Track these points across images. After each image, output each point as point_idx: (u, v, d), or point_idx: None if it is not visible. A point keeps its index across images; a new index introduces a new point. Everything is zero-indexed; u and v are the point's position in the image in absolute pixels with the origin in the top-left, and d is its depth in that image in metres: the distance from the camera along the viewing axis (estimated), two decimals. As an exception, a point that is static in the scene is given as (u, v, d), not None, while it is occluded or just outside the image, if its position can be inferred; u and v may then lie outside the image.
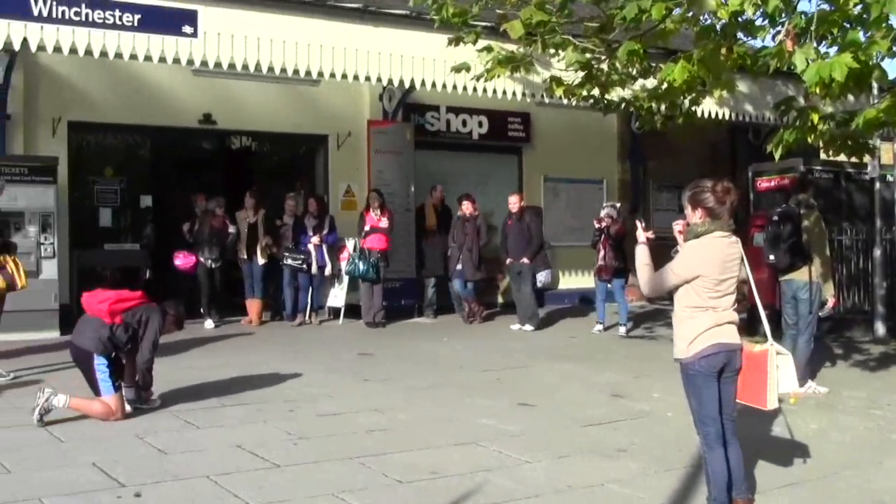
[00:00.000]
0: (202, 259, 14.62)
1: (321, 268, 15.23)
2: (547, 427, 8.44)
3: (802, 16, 9.12)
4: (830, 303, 10.47)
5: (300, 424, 8.24)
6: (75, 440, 7.53)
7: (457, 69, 12.06)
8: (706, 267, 5.58)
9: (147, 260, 15.25)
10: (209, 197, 15.26)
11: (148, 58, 11.24)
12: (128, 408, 8.31)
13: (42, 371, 10.38)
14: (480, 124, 18.26)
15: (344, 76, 12.62)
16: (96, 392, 8.13)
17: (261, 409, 8.82)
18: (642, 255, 5.94)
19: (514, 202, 15.31)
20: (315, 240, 15.20)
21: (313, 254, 15.16)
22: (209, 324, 14.48)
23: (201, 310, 14.61)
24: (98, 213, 15.96)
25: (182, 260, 14.47)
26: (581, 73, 11.49)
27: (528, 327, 14.92)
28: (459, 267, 15.50)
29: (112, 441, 7.49)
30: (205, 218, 14.89)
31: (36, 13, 10.40)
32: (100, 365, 8.07)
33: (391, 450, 7.45)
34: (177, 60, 11.52)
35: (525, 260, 14.93)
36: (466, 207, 15.61)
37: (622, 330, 14.70)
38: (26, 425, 7.81)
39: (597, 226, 14.79)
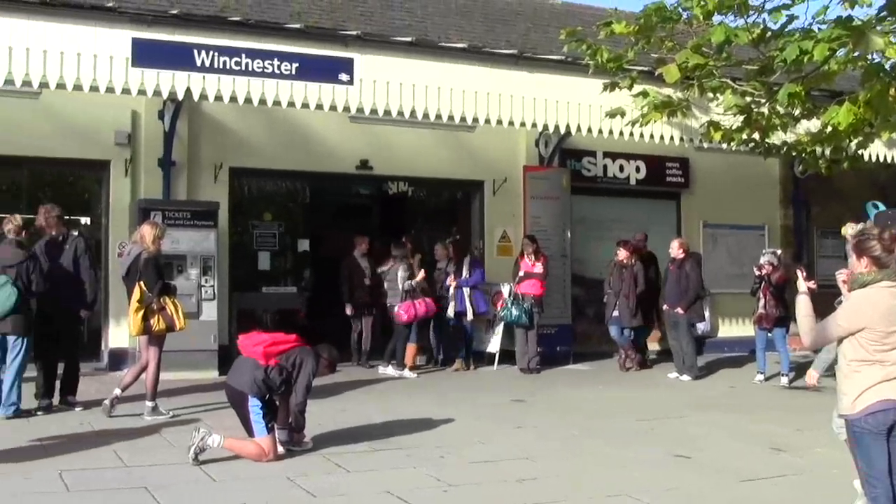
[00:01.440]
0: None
1: (458, 313, 15.12)
2: (703, 481, 8.17)
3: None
4: None
5: (450, 471, 8.19)
6: (227, 480, 7.66)
7: (612, 114, 11.96)
8: (873, 318, 5.30)
9: (304, 303, 15.48)
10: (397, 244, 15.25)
11: (305, 105, 11.53)
12: (280, 449, 8.40)
13: (200, 410, 10.63)
14: (638, 169, 18.04)
15: (499, 122, 12.69)
16: (250, 433, 8.25)
17: (411, 455, 8.80)
18: (804, 305, 5.71)
19: (675, 248, 15.00)
20: (450, 282, 15.15)
21: (452, 299, 15.09)
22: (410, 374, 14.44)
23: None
24: (257, 257, 16.30)
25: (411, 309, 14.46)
26: (740, 117, 11.24)
27: (686, 377, 14.57)
28: (616, 314, 15.28)
29: (263, 482, 7.59)
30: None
31: (199, 63, 10.80)
32: (254, 406, 8.17)
33: (541, 499, 7.33)
34: (333, 108, 11.74)
35: (679, 310, 14.62)
36: (622, 254, 15.39)
37: (784, 380, 14.21)
38: (182, 463, 7.98)
39: (757, 273, 14.38)
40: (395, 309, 14.37)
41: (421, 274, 14.83)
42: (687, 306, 14.55)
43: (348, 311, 14.97)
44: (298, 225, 17.10)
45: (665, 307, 14.98)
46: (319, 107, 11.65)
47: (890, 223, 8.65)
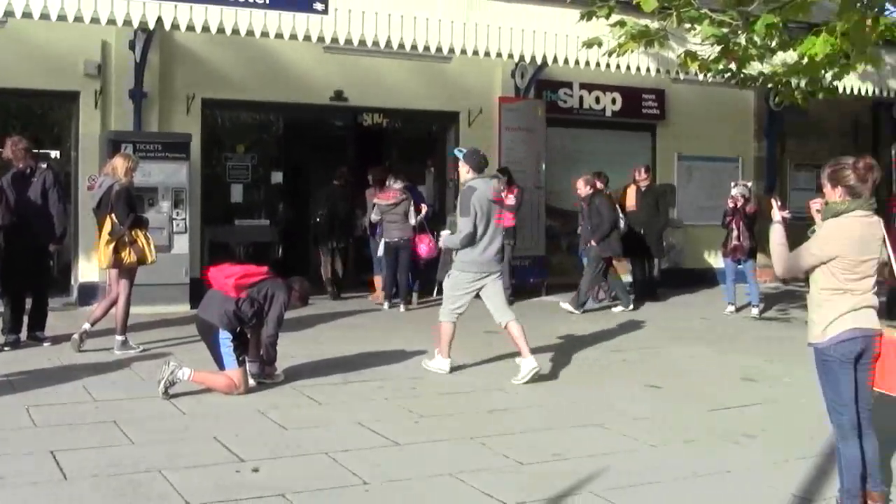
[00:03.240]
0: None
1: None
2: (674, 410, 8.24)
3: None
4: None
5: (423, 402, 8.22)
6: (197, 413, 7.65)
7: (588, 44, 11.83)
8: (845, 247, 5.29)
9: (277, 236, 15.39)
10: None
11: (279, 35, 11.31)
12: (251, 382, 8.40)
13: (170, 344, 10.57)
14: (614, 101, 17.95)
15: (475, 52, 12.51)
16: (220, 366, 8.22)
17: (383, 386, 8.83)
18: (777, 234, 5.68)
19: (581, 186, 14.68)
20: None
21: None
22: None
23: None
24: (230, 189, 16.16)
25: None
26: (717, 48, 11.16)
27: (569, 306, 14.40)
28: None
29: (233, 415, 7.58)
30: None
31: (169, -8, 10.55)
32: (224, 339, 8.14)
33: (513, 430, 7.37)
34: (308, 37, 11.50)
35: (592, 243, 14.44)
36: (598, 185, 15.32)
37: (755, 311, 14.30)
38: (152, 397, 7.96)
39: (731, 205, 14.36)
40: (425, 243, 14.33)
41: (424, 208, 14.84)
42: (599, 239, 14.34)
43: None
44: (272, 157, 16.92)
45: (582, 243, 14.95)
46: (293, 37, 11.42)
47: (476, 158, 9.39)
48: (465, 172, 9.57)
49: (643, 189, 15.75)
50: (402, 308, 14.24)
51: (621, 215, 14.96)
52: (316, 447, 6.71)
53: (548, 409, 8.21)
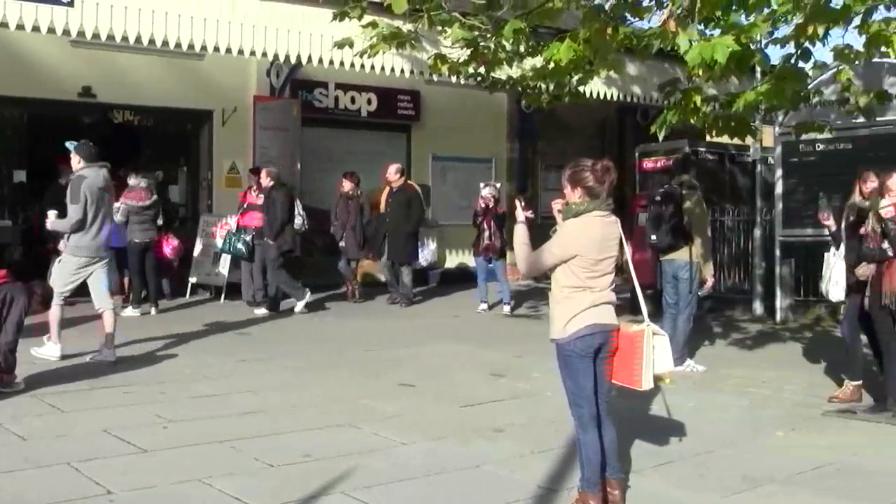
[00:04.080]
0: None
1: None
2: (426, 408, 8.38)
3: (686, -2, 9.17)
4: (709, 283, 10.62)
5: (171, 407, 8.02)
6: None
7: (340, 45, 11.85)
8: (584, 246, 5.52)
9: (18, 237, 14.71)
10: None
11: (20, 27, 10.80)
12: (-12, 390, 7.99)
13: None
14: (369, 102, 18.10)
15: (228, 50, 12.33)
16: (-47, 374, 7.80)
17: (131, 392, 8.57)
18: (521, 234, 5.86)
19: (263, 176, 14.46)
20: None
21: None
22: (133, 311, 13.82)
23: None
24: (-32, 188, 15.36)
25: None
26: (467, 51, 11.38)
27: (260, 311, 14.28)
28: (343, 245, 15.33)
29: (-32, 427, 7.19)
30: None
31: None
32: (-42, 345, 7.73)
33: (264, 432, 7.30)
34: (52, 30, 11.08)
35: (269, 240, 14.22)
36: (347, 185, 15.39)
37: (506, 309, 14.72)
38: None
39: (482, 205, 14.73)
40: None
41: None
42: (274, 236, 14.13)
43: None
44: (14, 155, 16.14)
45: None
46: (36, 29, 10.92)
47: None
48: (76, 163, 9.96)
49: (394, 190, 15.67)
50: (152, 311, 13.85)
51: (300, 212, 14.71)
52: (57, 458, 6.42)
53: (300, 411, 8.18)
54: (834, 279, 9.09)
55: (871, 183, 8.74)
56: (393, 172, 15.54)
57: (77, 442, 6.91)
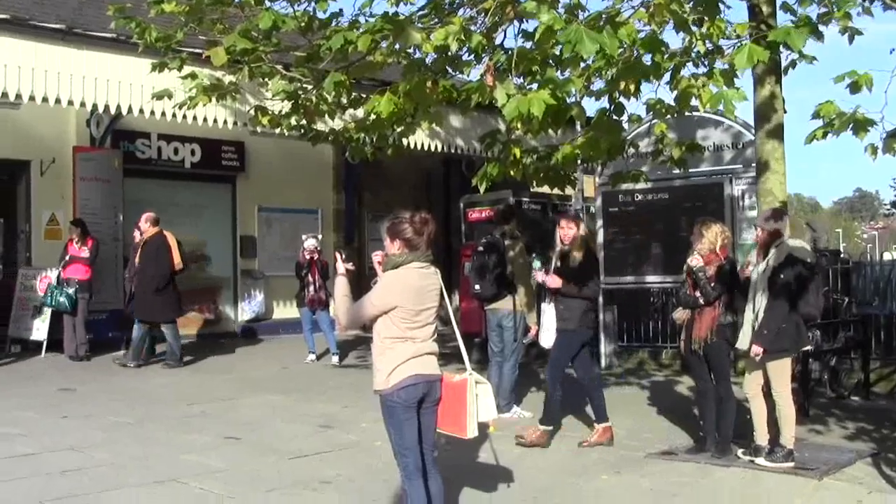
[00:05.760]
0: None
1: None
2: (253, 461, 8.29)
3: (504, 52, 9.40)
4: (532, 330, 10.82)
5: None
6: None
7: (158, 96, 11.76)
8: (403, 298, 5.58)
9: None
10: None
11: None
12: None
13: None
14: (193, 152, 17.80)
15: (45, 100, 12.07)
16: None
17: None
18: (341, 286, 5.91)
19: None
20: None
21: None
22: None
23: None
24: None
25: None
26: (289, 103, 11.41)
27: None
28: None
29: None
30: None
31: None
32: None
33: (86, 491, 7.12)
34: None
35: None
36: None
37: (335, 359, 14.67)
38: None
39: (307, 257, 14.71)
40: None
41: None
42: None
43: None
44: None
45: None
46: None
47: None
48: None
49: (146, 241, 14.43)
50: None
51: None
52: None
53: (122, 467, 7.98)
54: (545, 326, 9.53)
55: (569, 230, 9.24)
56: (143, 221, 14.50)
57: None
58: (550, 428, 9.21)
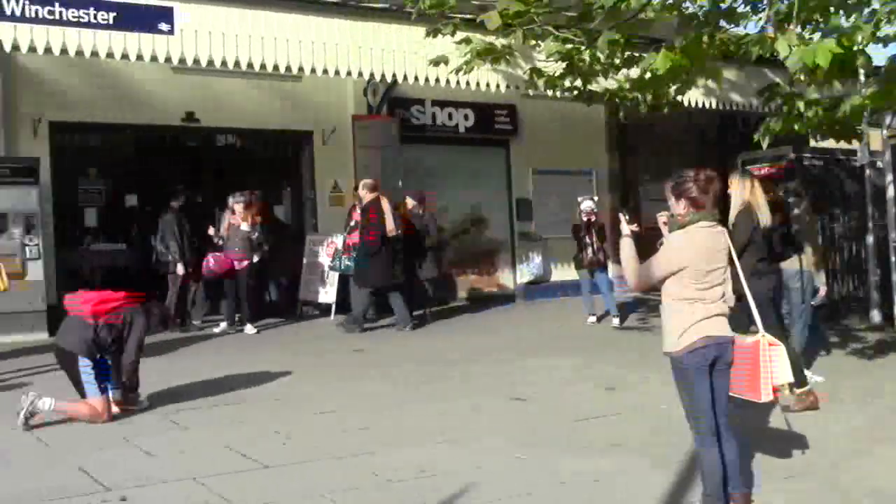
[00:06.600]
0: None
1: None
2: (540, 422, 8.33)
3: (783, 1, 9.01)
4: (822, 291, 10.37)
5: (290, 424, 8.15)
6: (61, 444, 7.45)
7: (435, 62, 11.94)
8: (693, 258, 5.45)
9: (133, 260, 15.07)
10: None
11: (125, 56, 11.06)
12: (115, 409, 8.22)
13: (29, 373, 10.25)
14: (466, 117, 18.07)
15: (325, 71, 12.51)
16: (82, 394, 8.07)
17: (250, 408, 8.77)
18: (627, 247, 5.82)
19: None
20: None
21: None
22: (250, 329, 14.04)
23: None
24: (83, 213, 15.86)
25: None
26: (562, 64, 11.34)
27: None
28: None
29: (99, 444, 7.42)
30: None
31: (9, 12, 10.22)
32: (84, 367, 8.02)
33: (382, 448, 7.37)
34: (155, 58, 11.32)
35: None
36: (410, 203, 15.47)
37: (615, 321, 14.56)
38: (13, 429, 7.73)
39: (584, 219, 14.64)
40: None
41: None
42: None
43: (180, 270, 14.21)
44: (124, 180, 16.58)
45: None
46: (140, 57, 11.16)
47: None
48: None
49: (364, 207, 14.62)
50: (251, 330, 13.97)
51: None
52: (184, 473, 6.61)
53: (415, 426, 8.21)
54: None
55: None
56: (361, 187, 14.67)
57: (201, 457, 7.10)
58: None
